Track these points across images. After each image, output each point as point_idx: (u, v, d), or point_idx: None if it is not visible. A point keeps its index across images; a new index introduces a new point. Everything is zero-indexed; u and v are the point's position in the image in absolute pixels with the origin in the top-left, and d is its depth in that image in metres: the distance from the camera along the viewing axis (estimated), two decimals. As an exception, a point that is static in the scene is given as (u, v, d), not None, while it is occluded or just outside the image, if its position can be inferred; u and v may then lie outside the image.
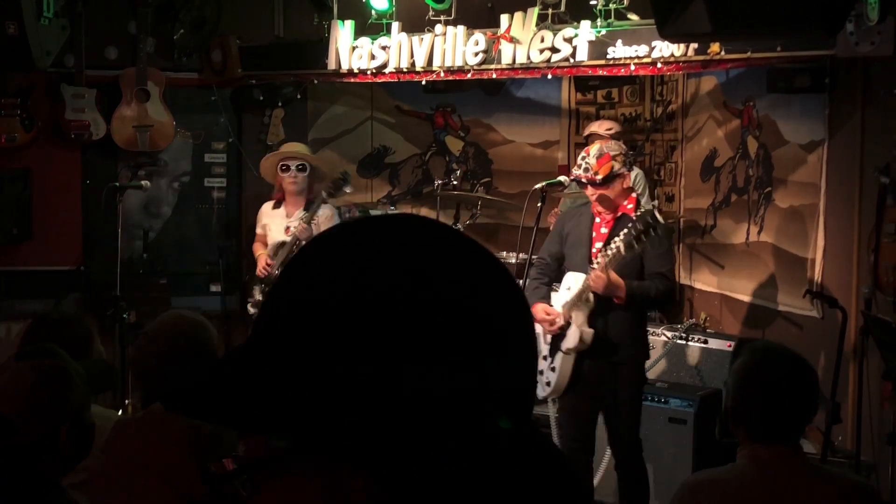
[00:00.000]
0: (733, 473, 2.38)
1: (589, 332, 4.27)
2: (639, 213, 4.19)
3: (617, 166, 4.30)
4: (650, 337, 5.58)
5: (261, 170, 6.08)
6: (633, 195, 4.45)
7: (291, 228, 5.67)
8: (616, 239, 4.12)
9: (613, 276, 4.13)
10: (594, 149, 4.38)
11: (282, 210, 5.83)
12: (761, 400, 2.35)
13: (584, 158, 4.34)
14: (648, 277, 4.29)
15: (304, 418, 0.76)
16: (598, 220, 4.43)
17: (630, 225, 4.13)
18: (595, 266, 4.19)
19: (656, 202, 6.38)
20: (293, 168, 5.76)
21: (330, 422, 0.75)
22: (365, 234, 0.84)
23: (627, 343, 4.33)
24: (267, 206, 5.95)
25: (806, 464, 2.40)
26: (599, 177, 4.25)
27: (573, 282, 4.37)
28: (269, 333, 0.81)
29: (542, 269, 4.59)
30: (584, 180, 4.30)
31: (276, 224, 5.81)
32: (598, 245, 4.33)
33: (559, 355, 4.37)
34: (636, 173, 6.46)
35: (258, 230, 5.98)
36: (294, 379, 0.77)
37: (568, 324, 4.32)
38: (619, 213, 4.37)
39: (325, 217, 5.67)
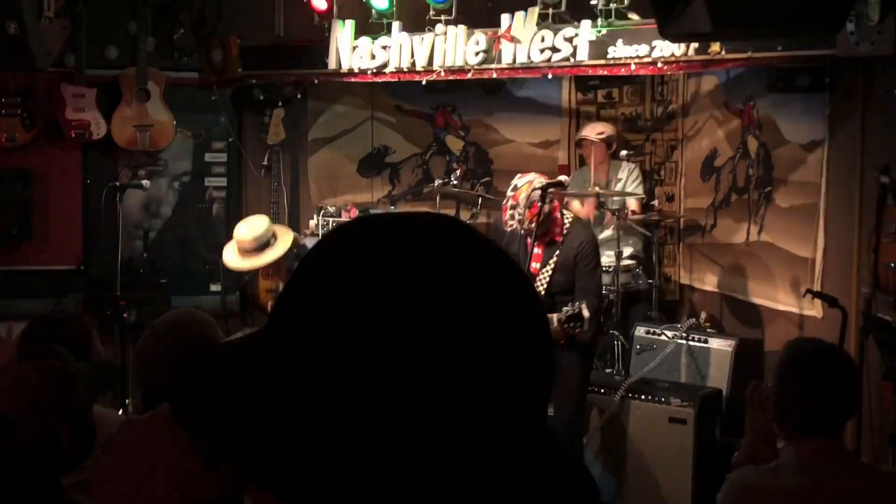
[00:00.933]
0: (782, 471, 2.39)
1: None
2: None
3: (547, 207, 4.50)
4: (650, 337, 5.60)
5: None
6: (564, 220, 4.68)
7: None
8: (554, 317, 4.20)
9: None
10: (522, 196, 4.53)
11: None
12: (806, 393, 2.39)
13: (514, 208, 4.47)
14: (578, 291, 4.47)
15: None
16: (528, 239, 4.59)
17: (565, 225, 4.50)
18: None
19: (655, 202, 6.38)
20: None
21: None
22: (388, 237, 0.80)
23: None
24: None
25: (851, 457, 2.44)
26: (534, 226, 4.48)
27: None
28: (289, 346, 0.78)
29: None
30: (521, 232, 4.44)
31: None
32: (535, 265, 4.58)
33: None
34: (631, 169, 6.47)
35: None
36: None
37: None
38: (548, 239, 4.63)
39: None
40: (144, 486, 2.38)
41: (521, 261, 4.53)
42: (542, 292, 4.51)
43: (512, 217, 4.49)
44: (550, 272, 4.61)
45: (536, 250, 4.57)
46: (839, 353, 2.50)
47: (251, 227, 5.70)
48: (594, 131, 6.33)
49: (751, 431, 2.70)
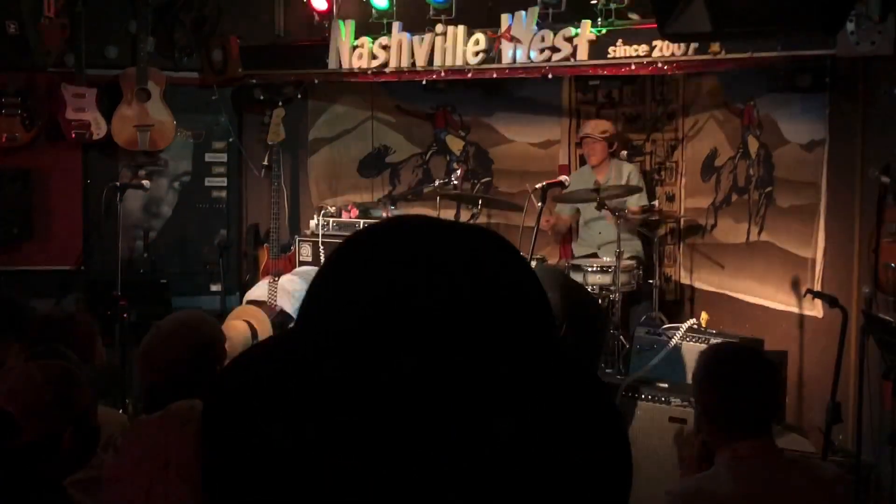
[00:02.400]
0: (720, 477, 2.40)
1: None
2: None
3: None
4: (650, 337, 5.59)
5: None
6: None
7: None
8: None
9: None
10: None
11: None
12: (727, 396, 2.43)
13: None
14: None
15: None
16: None
17: None
18: None
19: (656, 202, 6.38)
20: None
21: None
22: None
23: None
24: None
25: (783, 457, 2.46)
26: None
27: None
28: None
29: None
30: None
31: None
32: None
33: None
34: (630, 170, 6.46)
35: None
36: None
37: None
38: None
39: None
40: (157, 480, 2.40)
41: None
42: None
43: None
44: None
45: None
46: (754, 354, 2.57)
47: None
48: (597, 129, 6.33)
49: (684, 468, 2.77)
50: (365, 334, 0.74)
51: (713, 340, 5.48)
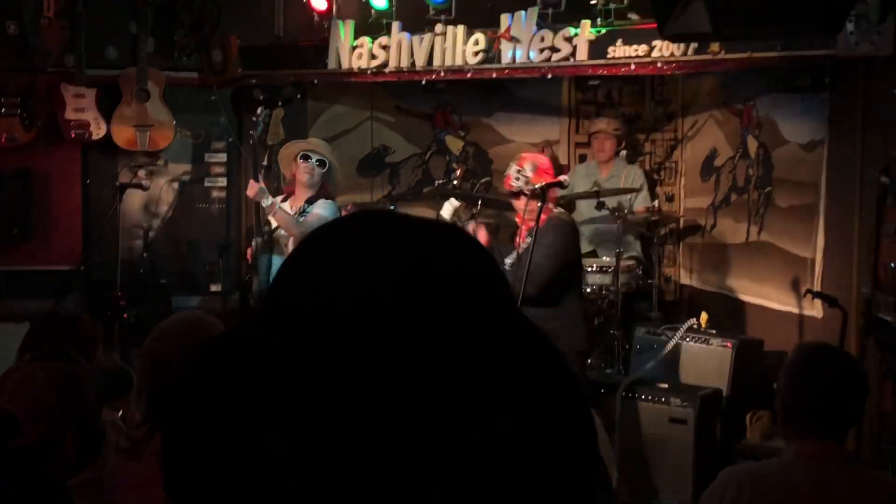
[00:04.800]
0: (779, 466, 2.40)
1: None
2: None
3: (551, 180, 4.49)
4: (650, 337, 5.59)
5: (280, 156, 5.86)
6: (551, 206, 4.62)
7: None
8: None
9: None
10: (528, 164, 4.53)
11: (287, 204, 5.60)
12: (814, 396, 2.40)
13: (520, 171, 4.45)
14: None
15: None
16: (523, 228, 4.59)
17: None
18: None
19: (656, 202, 6.39)
20: (313, 160, 5.58)
21: None
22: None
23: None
24: (279, 199, 5.65)
25: (852, 462, 2.45)
26: (538, 188, 4.41)
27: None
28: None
29: None
30: (526, 192, 4.42)
31: None
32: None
33: None
34: (634, 170, 6.47)
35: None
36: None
37: None
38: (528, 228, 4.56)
39: (316, 217, 5.49)
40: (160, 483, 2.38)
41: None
42: None
43: (517, 179, 4.47)
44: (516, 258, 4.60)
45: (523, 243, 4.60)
46: (852, 361, 2.54)
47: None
48: (610, 126, 6.34)
49: None
50: (326, 323, 0.74)
51: (713, 340, 5.49)
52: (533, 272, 4.31)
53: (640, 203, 6.23)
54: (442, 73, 6.18)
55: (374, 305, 0.74)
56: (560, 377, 0.79)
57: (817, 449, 2.37)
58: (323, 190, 5.61)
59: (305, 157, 5.57)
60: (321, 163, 5.58)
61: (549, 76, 6.16)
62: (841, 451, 2.42)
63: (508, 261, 4.68)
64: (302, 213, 5.45)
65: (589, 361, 5.52)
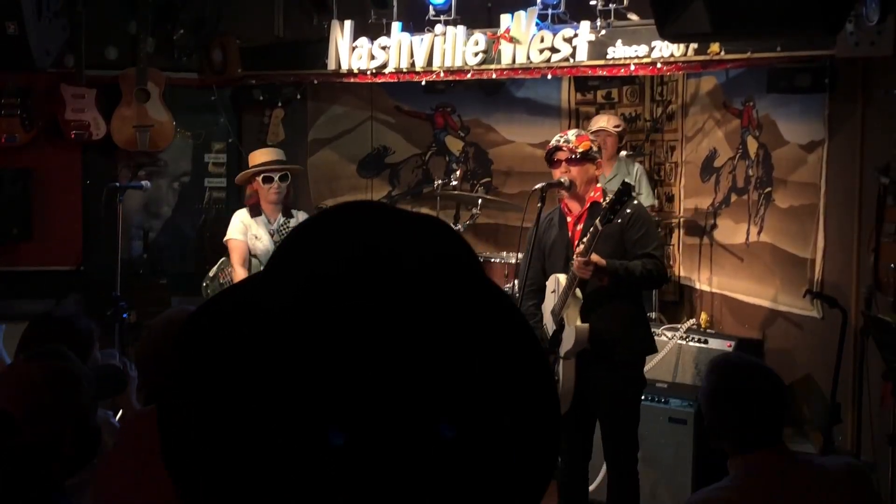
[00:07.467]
0: (733, 487, 2.40)
1: (584, 327, 4.17)
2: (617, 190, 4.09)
3: (595, 147, 4.31)
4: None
5: (237, 180, 5.77)
6: (599, 186, 4.39)
7: (276, 236, 5.47)
8: (595, 221, 4.04)
9: (594, 255, 4.05)
10: (572, 131, 4.41)
11: (263, 217, 5.46)
12: (736, 414, 2.41)
13: (561, 136, 4.33)
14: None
15: None
16: (569, 218, 4.34)
17: (606, 199, 4.11)
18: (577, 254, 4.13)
19: (656, 202, 6.38)
20: (276, 179, 5.41)
21: None
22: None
23: (626, 340, 4.24)
24: (245, 215, 5.48)
25: (794, 459, 2.45)
26: (580, 150, 4.22)
27: (555, 283, 4.30)
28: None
29: (531, 296, 4.44)
30: (560, 158, 4.27)
31: (262, 232, 5.45)
32: (578, 245, 4.19)
33: (560, 363, 4.24)
34: (636, 169, 6.46)
35: (241, 239, 5.42)
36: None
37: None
38: (589, 204, 4.29)
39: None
40: (146, 471, 2.39)
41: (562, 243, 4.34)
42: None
43: (557, 142, 4.26)
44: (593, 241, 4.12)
45: (578, 226, 4.30)
46: (755, 366, 2.50)
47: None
48: (611, 123, 6.32)
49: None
50: (313, 295, 0.78)
51: (713, 340, 5.49)
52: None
53: (644, 202, 6.22)
54: (442, 74, 6.19)
55: (358, 276, 0.78)
56: (521, 334, 0.85)
57: (758, 460, 2.38)
58: (286, 197, 5.49)
59: (268, 179, 5.43)
60: (284, 177, 5.46)
61: (549, 77, 6.16)
62: (779, 453, 2.40)
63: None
64: (282, 227, 5.41)
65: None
